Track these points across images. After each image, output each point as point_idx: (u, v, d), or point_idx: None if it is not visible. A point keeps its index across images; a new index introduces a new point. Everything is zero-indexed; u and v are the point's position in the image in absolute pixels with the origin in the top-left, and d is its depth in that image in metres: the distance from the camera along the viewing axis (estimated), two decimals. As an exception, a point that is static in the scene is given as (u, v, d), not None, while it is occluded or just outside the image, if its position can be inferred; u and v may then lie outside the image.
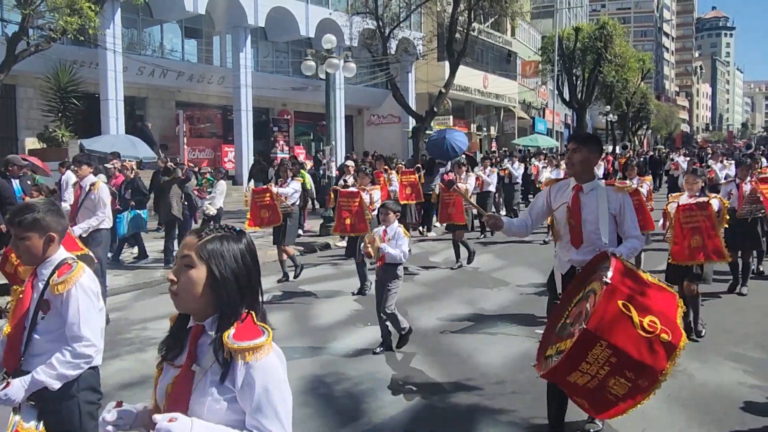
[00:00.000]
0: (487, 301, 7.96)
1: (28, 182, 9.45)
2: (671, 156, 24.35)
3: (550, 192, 4.17)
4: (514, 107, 41.91)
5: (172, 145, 22.22)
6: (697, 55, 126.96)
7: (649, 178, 10.92)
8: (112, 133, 18.66)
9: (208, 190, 12.36)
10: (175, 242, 10.05)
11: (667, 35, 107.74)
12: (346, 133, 28.87)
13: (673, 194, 6.89)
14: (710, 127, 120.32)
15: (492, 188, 13.73)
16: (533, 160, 20.55)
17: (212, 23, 23.98)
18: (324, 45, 14.81)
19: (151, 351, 6.14)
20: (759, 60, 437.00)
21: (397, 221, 6.02)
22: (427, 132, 21.21)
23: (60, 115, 17.19)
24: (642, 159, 25.34)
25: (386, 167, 13.32)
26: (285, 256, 9.20)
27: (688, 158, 20.00)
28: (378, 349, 5.85)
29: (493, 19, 33.21)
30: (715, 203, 6.28)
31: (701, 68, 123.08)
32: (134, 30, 22.22)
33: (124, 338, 6.61)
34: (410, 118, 24.35)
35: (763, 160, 13.56)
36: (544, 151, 27.92)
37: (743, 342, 6.09)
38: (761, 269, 9.07)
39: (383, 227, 6.05)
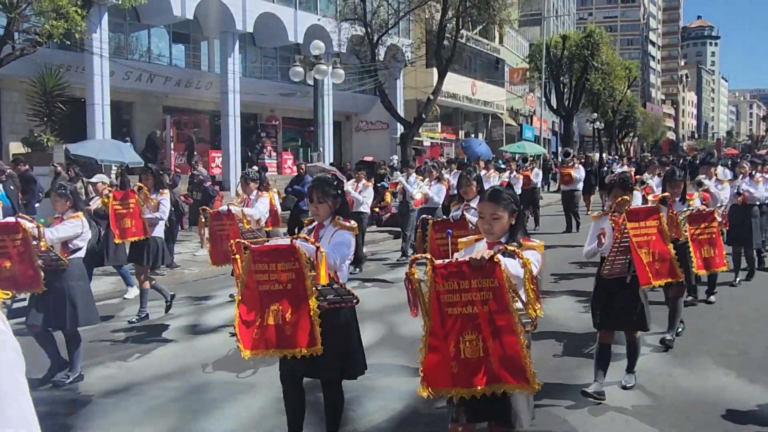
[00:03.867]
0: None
1: (11, 187, 9.37)
2: (612, 167, 20.79)
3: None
4: (502, 114, 42.12)
5: (159, 150, 22.10)
6: (682, 63, 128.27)
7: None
8: (98, 138, 18.53)
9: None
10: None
11: (653, 44, 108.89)
12: (335, 140, 28.84)
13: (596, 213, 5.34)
14: (696, 135, 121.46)
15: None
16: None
17: (200, 28, 23.92)
18: (312, 51, 14.84)
19: (137, 358, 6.09)
20: (743, 69, 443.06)
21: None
22: (428, 136, 21.32)
23: (45, 119, 17.05)
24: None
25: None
26: (148, 284, 7.42)
27: (633, 168, 18.01)
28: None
29: (481, 27, 33.44)
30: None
31: (687, 77, 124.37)
32: (121, 34, 22.12)
33: (108, 345, 6.55)
34: (398, 124, 24.40)
35: (720, 169, 13.01)
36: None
37: (727, 349, 6.13)
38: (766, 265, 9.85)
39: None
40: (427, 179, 10.93)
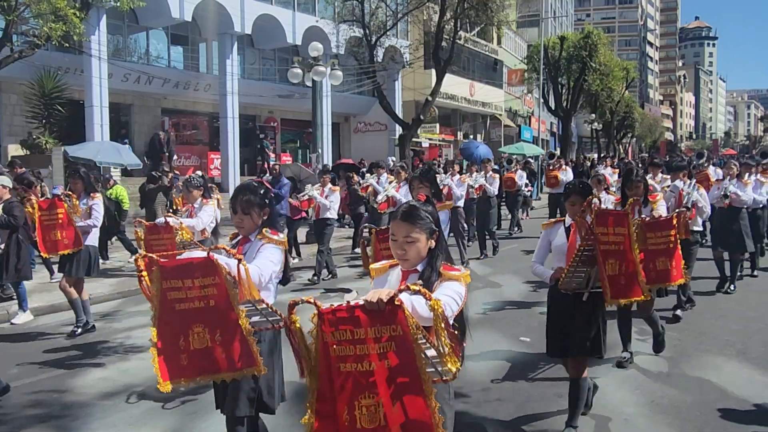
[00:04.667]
0: (472, 308, 7.97)
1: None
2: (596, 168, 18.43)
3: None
4: (500, 115, 42.15)
5: (164, 151, 22.07)
6: (680, 64, 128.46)
7: None
8: (97, 140, 18.54)
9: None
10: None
11: (651, 44, 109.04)
12: (333, 141, 28.86)
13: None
14: (693, 136, 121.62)
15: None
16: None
17: (198, 30, 23.93)
18: (311, 53, 14.85)
19: (134, 360, 6.09)
20: (741, 69, 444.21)
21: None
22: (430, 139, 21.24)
23: (44, 121, 17.05)
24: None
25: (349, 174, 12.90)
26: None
27: (617, 170, 16.20)
28: None
29: (479, 28, 33.44)
30: None
31: (685, 77, 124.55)
32: (120, 36, 22.11)
33: (107, 347, 6.54)
34: (397, 125, 24.41)
35: (712, 169, 12.62)
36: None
37: (725, 349, 6.15)
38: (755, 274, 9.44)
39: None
40: (395, 181, 10.38)
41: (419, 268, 2.68)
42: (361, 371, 2.16)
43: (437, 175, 12.00)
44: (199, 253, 3.01)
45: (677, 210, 5.97)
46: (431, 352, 2.18)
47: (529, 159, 21.79)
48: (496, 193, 12.69)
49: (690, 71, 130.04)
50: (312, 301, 2.20)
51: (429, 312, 2.19)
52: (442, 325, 2.17)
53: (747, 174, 8.88)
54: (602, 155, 28.89)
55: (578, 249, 4.03)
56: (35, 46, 14.06)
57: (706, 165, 10.20)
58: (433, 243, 2.68)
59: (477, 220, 12.38)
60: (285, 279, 3.63)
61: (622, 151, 56.27)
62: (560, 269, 4.18)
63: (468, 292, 2.61)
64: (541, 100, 39.32)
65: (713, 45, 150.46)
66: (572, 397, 4.16)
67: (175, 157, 21.20)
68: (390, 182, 10.65)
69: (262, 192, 3.48)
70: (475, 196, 12.14)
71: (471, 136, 39.98)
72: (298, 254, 11.80)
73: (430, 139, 32.70)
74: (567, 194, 4.47)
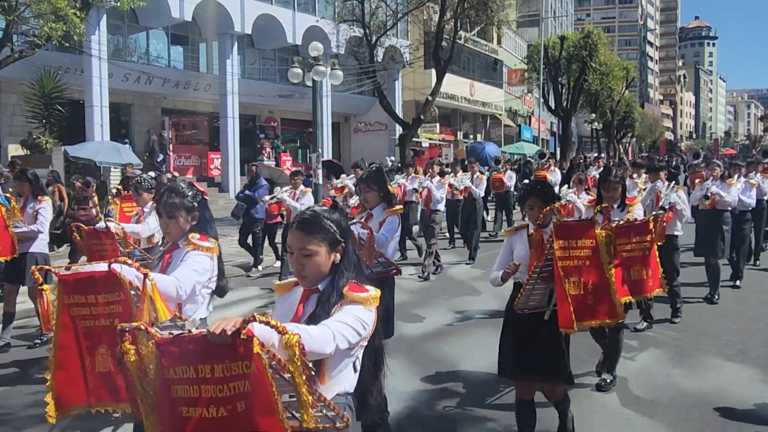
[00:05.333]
0: (470, 309, 7.98)
1: (10, 189, 9.35)
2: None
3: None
4: (501, 115, 42.16)
5: (156, 153, 22.07)
6: (680, 64, 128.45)
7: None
8: (97, 140, 18.55)
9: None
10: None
11: (651, 44, 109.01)
12: (333, 141, 28.88)
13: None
14: (693, 135, 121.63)
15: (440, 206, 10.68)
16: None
17: (199, 30, 23.94)
18: (311, 52, 14.83)
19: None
20: (741, 69, 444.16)
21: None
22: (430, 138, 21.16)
23: (44, 121, 17.05)
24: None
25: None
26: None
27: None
28: None
29: (479, 28, 33.46)
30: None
31: (685, 77, 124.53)
32: (120, 36, 22.12)
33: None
34: (397, 125, 24.42)
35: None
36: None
37: (725, 349, 6.15)
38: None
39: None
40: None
41: (320, 286, 2.26)
42: (210, 418, 1.77)
43: (417, 176, 11.69)
44: (101, 267, 2.66)
45: (654, 213, 5.43)
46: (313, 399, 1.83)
47: (530, 159, 21.79)
48: (483, 195, 12.18)
49: (690, 71, 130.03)
50: (143, 327, 1.85)
51: (322, 346, 1.89)
52: (299, 365, 1.78)
53: (736, 175, 8.48)
54: (596, 156, 27.95)
55: (535, 266, 3.65)
56: (35, 45, 14.06)
57: (702, 165, 9.93)
58: (337, 257, 2.26)
59: (461, 224, 11.83)
60: (220, 289, 3.29)
61: (622, 150, 56.26)
62: (513, 265, 3.77)
63: (378, 317, 2.19)
64: (541, 100, 39.34)
65: (713, 45, 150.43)
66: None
67: (160, 157, 20.98)
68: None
69: (190, 194, 3.18)
70: (461, 198, 11.47)
71: (471, 136, 40.01)
72: (278, 259, 10.72)
73: (430, 139, 32.72)
74: (523, 198, 4.01)
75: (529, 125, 46.71)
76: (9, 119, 19.46)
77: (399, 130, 24.41)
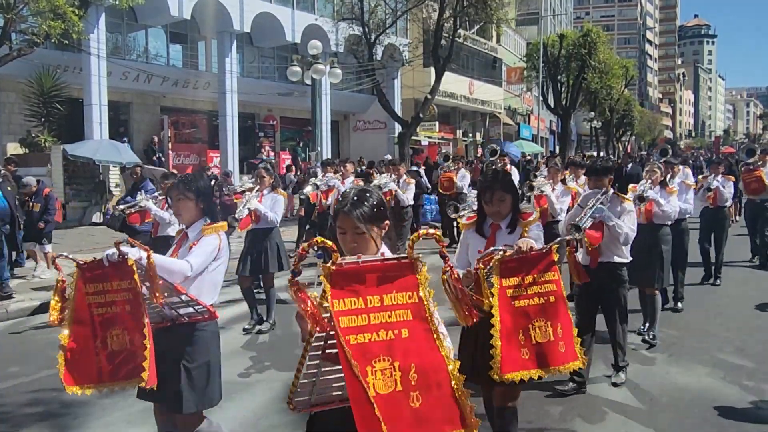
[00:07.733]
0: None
1: (8, 188, 9.35)
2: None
3: None
4: (500, 113, 42.15)
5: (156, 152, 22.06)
6: (679, 62, 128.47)
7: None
8: (96, 139, 18.52)
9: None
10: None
11: (650, 42, 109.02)
12: (332, 139, 28.85)
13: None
14: (693, 134, 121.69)
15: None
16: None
17: (198, 28, 23.91)
18: (310, 51, 14.84)
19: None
20: (740, 67, 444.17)
21: None
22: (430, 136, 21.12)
23: (43, 120, 17.04)
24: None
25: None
26: None
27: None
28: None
29: (478, 26, 33.44)
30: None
31: (684, 75, 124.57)
32: (119, 35, 22.09)
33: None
34: (396, 123, 24.41)
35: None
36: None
37: (724, 346, 6.15)
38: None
39: None
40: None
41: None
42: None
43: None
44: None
45: (558, 239, 3.40)
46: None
47: (530, 158, 21.78)
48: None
49: (689, 69, 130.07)
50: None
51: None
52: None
53: (669, 176, 6.66)
54: (549, 155, 26.00)
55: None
56: (34, 44, 14.03)
57: (759, 163, 8.92)
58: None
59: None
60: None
61: (621, 149, 56.28)
62: (469, 272, 2.89)
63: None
64: (541, 98, 39.32)
65: (712, 43, 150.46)
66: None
67: (161, 157, 20.96)
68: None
69: (202, 183, 3.52)
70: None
71: (470, 134, 40.00)
72: None
73: (429, 138, 32.71)
74: (488, 189, 3.40)
75: (529, 124, 46.69)
76: (8, 118, 19.43)
77: (398, 128, 24.40)
